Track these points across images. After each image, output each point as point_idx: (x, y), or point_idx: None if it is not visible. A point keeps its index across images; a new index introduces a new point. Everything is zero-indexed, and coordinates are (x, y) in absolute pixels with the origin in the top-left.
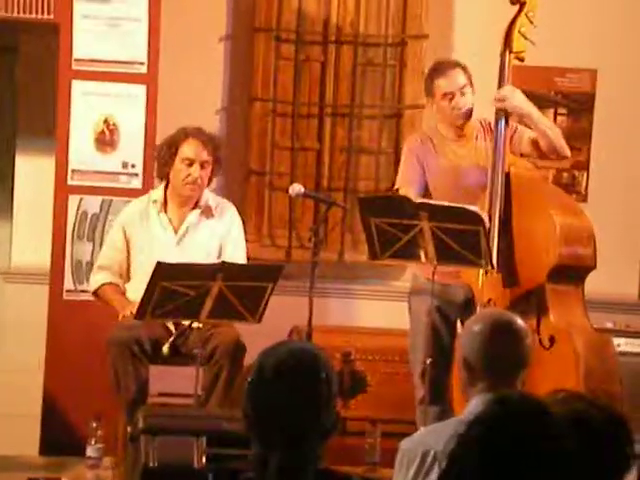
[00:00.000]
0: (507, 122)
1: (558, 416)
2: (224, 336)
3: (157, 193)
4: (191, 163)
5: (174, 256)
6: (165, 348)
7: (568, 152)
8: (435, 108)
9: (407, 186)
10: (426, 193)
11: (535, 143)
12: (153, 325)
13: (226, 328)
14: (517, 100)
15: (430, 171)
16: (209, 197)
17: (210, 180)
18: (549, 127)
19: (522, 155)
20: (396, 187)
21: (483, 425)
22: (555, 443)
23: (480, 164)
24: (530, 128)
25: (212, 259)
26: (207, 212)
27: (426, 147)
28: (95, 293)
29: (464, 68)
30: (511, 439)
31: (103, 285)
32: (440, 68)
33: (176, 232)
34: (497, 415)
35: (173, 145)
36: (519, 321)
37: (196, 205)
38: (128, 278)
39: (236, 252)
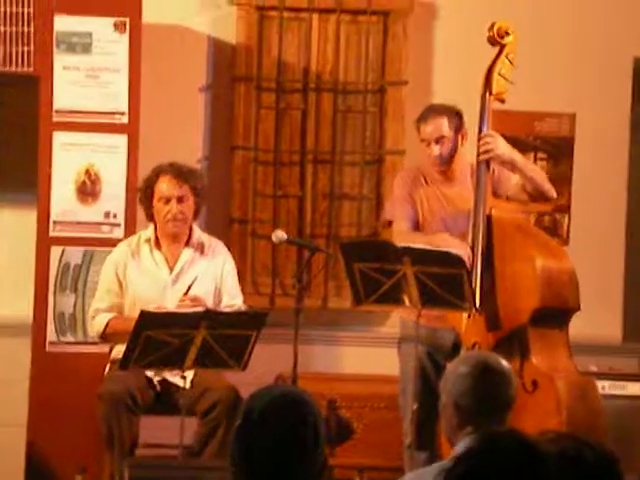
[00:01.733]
0: (488, 167)
1: (549, 455)
2: (224, 392)
3: (148, 232)
4: (167, 200)
5: (170, 295)
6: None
7: (554, 193)
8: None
9: (400, 220)
10: (418, 226)
11: (524, 187)
12: (138, 376)
13: (224, 382)
14: (501, 149)
15: (421, 205)
16: (200, 234)
17: (196, 213)
18: (534, 171)
19: (508, 199)
20: (388, 219)
21: (471, 460)
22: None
23: (465, 207)
24: (514, 173)
25: (210, 296)
26: (201, 249)
27: (418, 182)
28: (103, 335)
29: (451, 117)
30: (499, 474)
31: (109, 322)
32: (425, 113)
33: (171, 270)
34: (485, 450)
35: (148, 187)
36: (504, 362)
37: (189, 242)
38: None
39: (236, 297)
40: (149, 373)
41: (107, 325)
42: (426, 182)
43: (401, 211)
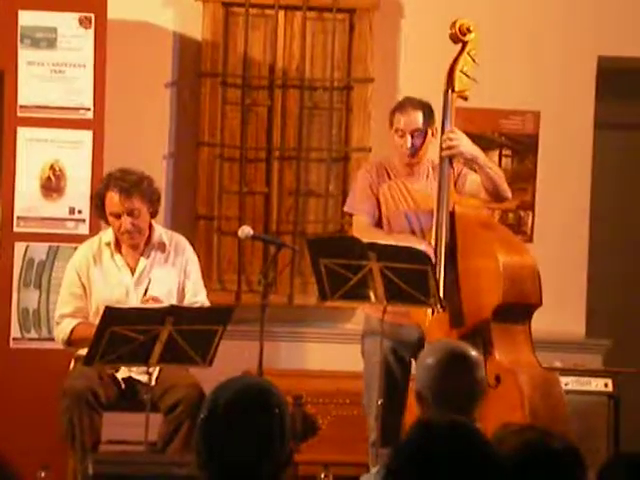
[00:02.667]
0: (451, 164)
1: (512, 446)
2: (188, 389)
3: (108, 235)
4: (118, 215)
5: (134, 298)
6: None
7: (509, 194)
8: (391, 139)
9: (361, 214)
10: (379, 222)
11: (483, 185)
12: (101, 374)
13: (188, 379)
14: (464, 145)
15: (383, 198)
16: (161, 232)
17: (154, 214)
18: (494, 170)
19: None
20: (348, 211)
21: (405, 452)
22: (484, 463)
23: (428, 205)
24: (475, 171)
25: (173, 295)
26: (162, 248)
27: (380, 176)
28: (68, 341)
29: (426, 111)
30: (435, 463)
31: (74, 328)
32: (403, 104)
33: (133, 273)
34: (421, 439)
35: (99, 198)
36: (472, 351)
37: (149, 243)
38: None
39: (199, 294)
40: (119, 375)
41: (72, 331)
42: (389, 177)
43: (362, 205)
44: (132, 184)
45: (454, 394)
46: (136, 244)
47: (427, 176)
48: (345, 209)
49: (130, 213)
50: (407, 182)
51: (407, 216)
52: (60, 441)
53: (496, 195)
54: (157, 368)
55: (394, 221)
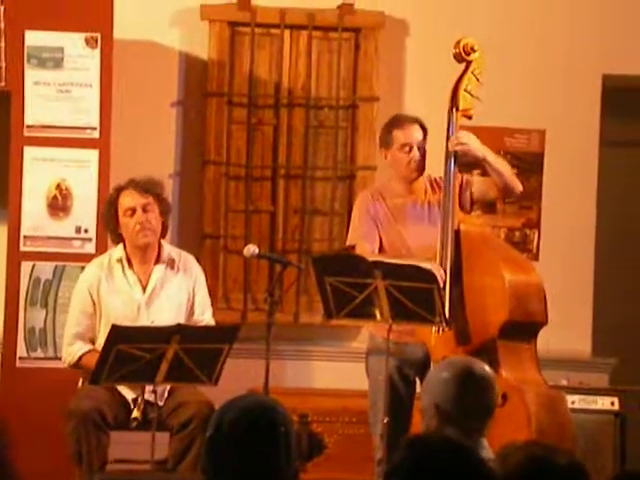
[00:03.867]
0: (456, 164)
1: (517, 461)
2: (200, 406)
3: (118, 252)
4: (133, 212)
5: (145, 314)
6: (136, 412)
7: (521, 187)
8: (390, 160)
9: (362, 242)
10: (380, 248)
11: (492, 184)
12: (109, 392)
13: (198, 396)
14: (473, 145)
15: (382, 226)
16: (169, 250)
17: (164, 228)
18: (504, 165)
19: (474, 202)
20: (350, 244)
21: (402, 473)
22: (475, 475)
23: (427, 225)
24: (485, 170)
25: (183, 312)
26: (171, 265)
27: (378, 202)
28: (75, 365)
29: (422, 125)
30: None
31: (83, 355)
32: (399, 120)
33: (144, 290)
34: (416, 458)
35: (111, 205)
36: (487, 368)
37: (159, 259)
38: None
39: (206, 312)
40: (127, 395)
41: (81, 357)
42: (384, 200)
43: (363, 231)
44: (146, 182)
45: (473, 409)
46: (149, 244)
47: (425, 192)
48: (347, 243)
49: (145, 209)
50: (403, 229)
51: (405, 230)
52: (67, 461)
53: (507, 190)
54: (167, 387)
55: (393, 235)
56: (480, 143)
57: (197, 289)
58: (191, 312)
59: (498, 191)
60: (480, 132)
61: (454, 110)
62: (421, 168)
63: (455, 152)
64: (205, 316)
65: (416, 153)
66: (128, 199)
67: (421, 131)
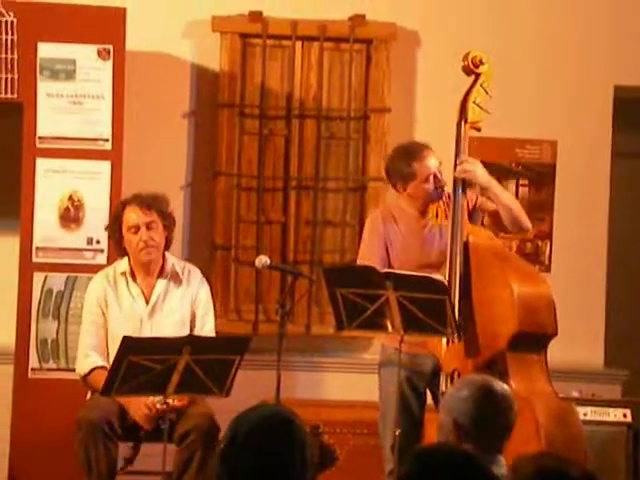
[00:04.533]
0: (464, 191)
1: (528, 473)
2: (199, 418)
3: (123, 265)
4: (136, 230)
5: (148, 327)
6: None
7: (530, 225)
8: (411, 192)
9: (372, 263)
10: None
11: (495, 215)
12: (118, 403)
13: (200, 408)
14: (479, 173)
15: (393, 247)
16: (174, 262)
17: (168, 241)
18: (510, 200)
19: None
20: (360, 263)
21: None
22: None
23: (442, 239)
24: (491, 200)
25: (186, 325)
26: (174, 278)
27: (388, 222)
28: (85, 378)
29: (431, 150)
30: None
31: (94, 369)
32: (415, 152)
33: (147, 302)
34: (420, 471)
35: (116, 220)
36: (505, 387)
37: (162, 272)
38: None
39: (205, 325)
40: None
41: (90, 372)
42: (396, 222)
43: (373, 252)
44: (150, 198)
45: (491, 429)
46: (152, 261)
47: (436, 212)
48: (357, 262)
49: (148, 226)
50: (416, 251)
51: (418, 249)
52: (80, 471)
53: (516, 226)
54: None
55: (405, 256)
56: (486, 172)
57: (198, 302)
58: (192, 325)
59: (504, 225)
60: (491, 143)
61: (463, 122)
62: (443, 188)
63: (462, 179)
64: (205, 329)
65: (441, 178)
66: (132, 216)
67: (434, 155)
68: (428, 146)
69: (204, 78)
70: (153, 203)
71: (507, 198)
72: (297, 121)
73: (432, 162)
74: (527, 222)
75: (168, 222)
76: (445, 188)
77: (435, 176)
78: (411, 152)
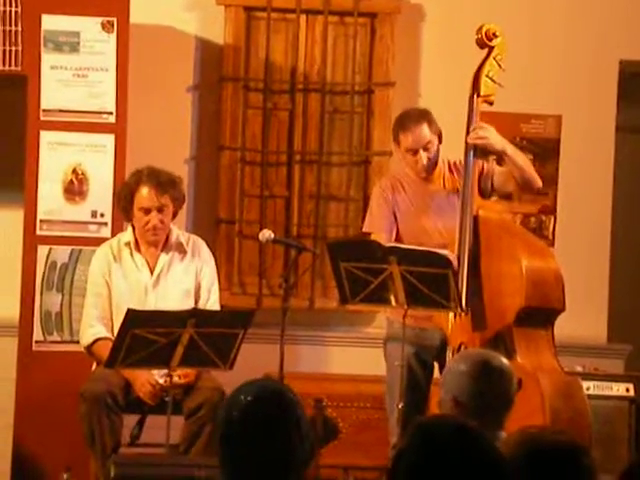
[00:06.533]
0: (476, 156)
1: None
2: (210, 392)
3: (127, 236)
4: (148, 211)
5: (152, 297)
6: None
7: (540, 183)
8: (400, 156)
9: (379, 232)
10: (397, 238)
11: (505, 175)
12: (122, 375)
13: (210, 382)
14: (493, 137)
15: (401, 213)
16: (178, 234)
17: (174, 216)
18: (523, 160)
19: (493, 191)
20: (367, 231)
21: (411, 455)
22: (485, 462)
23: (450, 196)
24: (503, 162)
25: (191, 296)
26: (179, 249)
27: (396, 191)
28: (88, 348)
29: (429, 121)
30: (439, 466)
31: (98, 340)
32: (404, 122)
33: (152, 272)
34: (423, 444)
35: (129, 193)
36: (504, 361)
37: (167, 243)
38: None
39: (210, 298)
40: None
41: (94, 343)
42: (404, 189)
43: (380, 222)
44: (166, 182)
45: (491, 401)
46: (158, 240)
47: (443, 178)
48: (364, 229)
49: (160, 210)
50: (425, 217)
51: (426, 211)
52: (83, 443)
53: (526, 184)
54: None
55: (412, 221)
56: (499, 136)
57: (203, 274)
58: (197, 297)
59: (517, 185)
60: (496, 118)
61: (475, 96)
62: (430, 167)
63: (475, 145)
64: (209, 303)
65: (422, 155)
66: (146, 198)
67: (428, 129)
68: (424, 118)
69: (208, 51)
70: (168, 187)
71: (520, 158)
72: (301, 95)
73: (416, 137)
74: (538, 181)
75: (178, 203)
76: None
77: (415, 151)
78: (403, 122)
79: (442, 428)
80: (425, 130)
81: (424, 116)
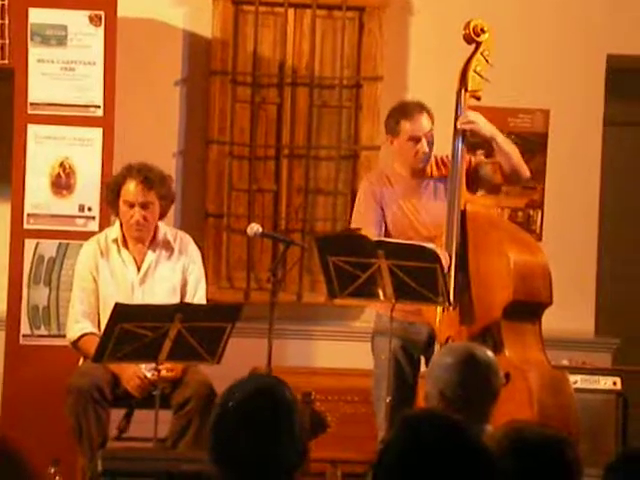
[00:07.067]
0: (464, 143)
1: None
2: (198, 385)
3: (114, 231)
4: (131, 205)
5: (139, 293)
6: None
7: (528, 174)
8: (396, 148)
9: (368, 226)
10: (385, 232)
11: (498, 167)
12: (109, 370)
13: (198, 376)
14: (482, 124)
15: (388, 208)
16: (166, 231)
17: (163, 214)
18: (511, 149)
19: (480, 184)
20: (355, 227)
21: (395, 450)
22: (471, 455)
23: (437, 201)
24: (492, 151)
25: (177, 293)
26: (166, 247)
27: (383, 185)
28: (75, 343)
29: (429, 112)
30: (425, 459)
31: (85, 335)
32: (407, 110)
33: (139, 269)
34: (408, 438)
35: (115, 186)
36: (489, 353)
37: (154, 241)
38: None
39: (197, 293)
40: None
41: (80, 338)
42: (391, 184)
43: (368, 217)
44: (155, 179)
45: (477, 394)
46: (142, 237)
47: (431, 174)
48: (352, 226)
49: (144, 206)
50: (413, 209)
51: (413, 211)
52: (71, 437)
53: (514, 174)
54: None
55: (399, 219)
56: (489, 123)
57: (190, 271)
58: (183, 293)
59: (504, 175)
60: (484, 112)
61: (463, 91)
62: (428, 158)
63: (464, 131)
64: (195, 299)
65: (424, 144)
66: (131, 192)
67: (429, 119)
68: (424, 108)
69: (196, 45)
70: (155, 183)
71: (509, 147)
72: (289, 89)
73: (420, 124)
74: (526, 171)
75: (166, 202)
76: (433, 156)
77: (419, 139)
78: (404, 109)
79: (428, 422)
80: (426, 119)
81: (423, 107)
